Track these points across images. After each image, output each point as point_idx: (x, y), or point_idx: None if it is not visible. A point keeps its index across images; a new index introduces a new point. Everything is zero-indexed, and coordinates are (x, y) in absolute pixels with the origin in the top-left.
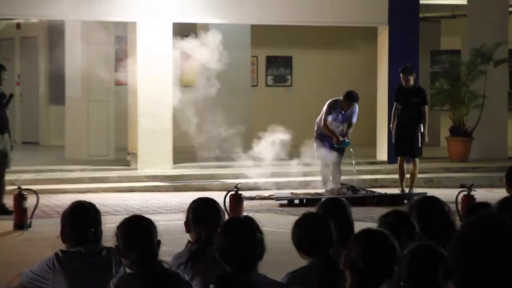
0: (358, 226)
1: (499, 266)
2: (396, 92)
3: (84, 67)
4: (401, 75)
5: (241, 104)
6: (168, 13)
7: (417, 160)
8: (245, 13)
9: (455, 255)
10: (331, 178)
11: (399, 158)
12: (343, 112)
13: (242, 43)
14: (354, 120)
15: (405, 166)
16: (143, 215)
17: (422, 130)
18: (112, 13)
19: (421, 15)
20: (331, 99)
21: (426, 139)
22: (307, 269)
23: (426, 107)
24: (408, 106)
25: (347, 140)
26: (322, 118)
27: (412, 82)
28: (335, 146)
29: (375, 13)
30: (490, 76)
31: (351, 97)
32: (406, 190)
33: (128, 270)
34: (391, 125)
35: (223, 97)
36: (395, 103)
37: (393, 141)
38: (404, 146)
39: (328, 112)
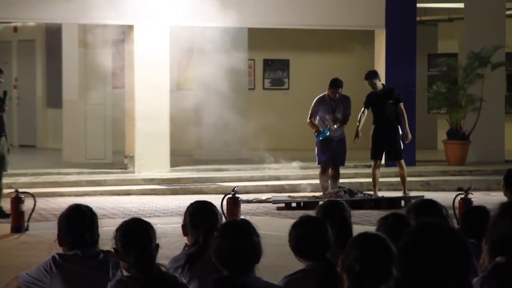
0: (355, 229)
1: (443, 267)
2: (367, 99)
3: (81, 70)
4: (366, 82)
5: (238, 107)
6: (165, 17)
7: (402, 161)
8: (242, 16)
9: (403, 264)
10: (329, 181)
11: (373, 162)
12: (332, 102)
13: (239, 46)
14: (349, 112)
15: (379, 171)
16: (141, 218)
17: (401, 132)
18: (109, 17)
19: (418, 19)
20: (318, 96)
21: (409, 136)
22: (304, 272)
23: (402, 105)
24: (383, 108)
25: (326, 129)
26: (308, 114)
27: (379, 85)
28: (318, 138)
29: (372, 17)
30: (487, 79)
31: (335, 83)
32: (379, 193)
33: (125, 273)
34: (356, 127)
35: (220, 100)
36: (363, 108)
37: (370, 144)
38: (380, 150)
39: (315, 107)
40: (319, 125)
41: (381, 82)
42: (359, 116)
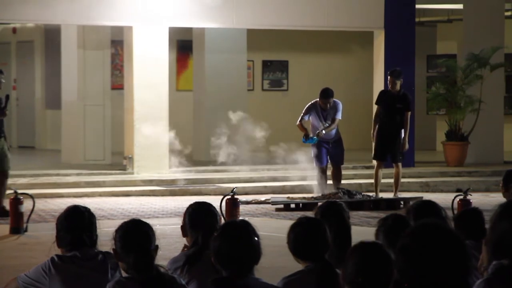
0: (354, 230)
1: (442, 269)
2: (379, 96)
3: (80, 71)
4: (388, 77)
5: (237, 109)
6: (164, 18)
7: (400, 164)
8: (241, 17)
9: (401, 265)
10: (328, 182)
11: (376, 162)
12: (322, 111)
13: (238, 47)
14: (339, 116)
15: (382, 172)
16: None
17: (402, 135)
18: (108, 18)
19: (417, 20)
20: (311, 101)
21: (406, 146)
22: (302, 273)
23: (409, 114)
24: (391, 110)
25: (314, 137)
26: (299, 117)
27: (398, 87)
28: (303, 141)
29: (371, 17)
30: (486, 80)
31: (325, 94)
32: (380, 194)
33: (124, 274)
34: (372, 131)
35: (219, 101)
36: (377, 106)
37: (373, 144)
38: (384, 151)
39: (305, 113)
40: (310, 130)
41: (401, 83)
42: (374, 119)
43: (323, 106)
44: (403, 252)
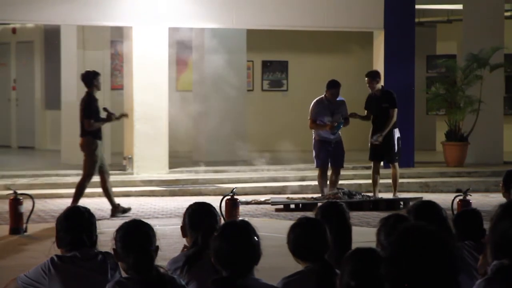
0: (354, 231)
1: (428, 270)
2: (366, 100)
3: (79, 72)
4: (365, 79)
5: (236, 109)
6: (164, 18)
7: (396, 165)
8: (241, 17)
9: (389, 273)
10: (328, 182)
11: (372, 163)
12: (331, 105)
13: (237, 47)
14: (347, 113)
15: (379, 172)
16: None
17: (398, 135)
18: (108, 18)
19: (416, 20)
20: (315, 99)
21: (380, 139)
22: (302, 274)
23: (394, 111)
24: (379, 112)
25: (341, 121)
26: (309, 119)
27: (377, 87)
28: (332, 134)
29: (371, 18)
30: (486, 80)
31: (333, 83)
32: (379, 195)
33: (124, 274)
34: (357, 114)
35: (218, 101)
36: (366, 111)
37: (368, 145)
38: (378, 152)
39: (314, 110)
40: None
41: (380, 84)
42: (372, 121)
43: (331, 98)
44: (390, 263)
